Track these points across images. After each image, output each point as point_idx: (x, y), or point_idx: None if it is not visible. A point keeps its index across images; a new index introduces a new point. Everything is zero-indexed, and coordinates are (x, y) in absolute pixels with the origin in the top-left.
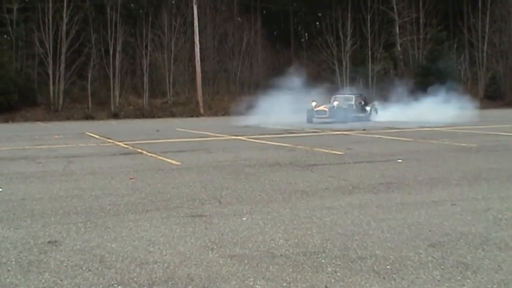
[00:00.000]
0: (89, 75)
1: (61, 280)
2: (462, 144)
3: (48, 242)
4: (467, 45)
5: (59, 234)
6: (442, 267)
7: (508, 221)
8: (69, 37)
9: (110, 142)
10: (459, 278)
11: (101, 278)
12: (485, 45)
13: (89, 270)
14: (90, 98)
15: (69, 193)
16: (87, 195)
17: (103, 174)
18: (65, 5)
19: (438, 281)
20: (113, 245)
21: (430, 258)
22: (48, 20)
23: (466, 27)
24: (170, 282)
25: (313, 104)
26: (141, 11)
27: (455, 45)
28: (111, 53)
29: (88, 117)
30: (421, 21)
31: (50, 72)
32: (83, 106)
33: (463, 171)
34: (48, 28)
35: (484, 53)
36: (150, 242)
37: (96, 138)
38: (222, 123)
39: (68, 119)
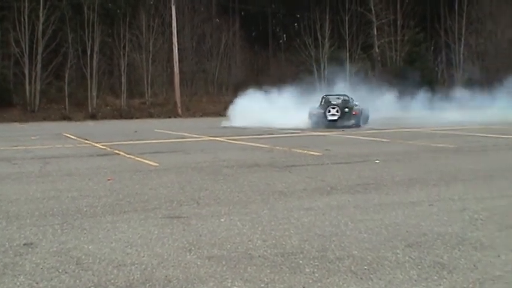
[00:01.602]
0: (66, 76)
1: (37, 283)
2: (440, 145)
3: (24, 244)
4: (444, 47)
5: (34, 236)
6: (419, 267)
7: (484, 221)
8: (45, 37)
9: (87, 143)
10: (436, 277)
11: (77, 281)
12: (462, 46)
13: (66, 273)
14: (67, 99)
15: (46, 194)
16: (63, 196)
17: (80, 176)
18: (41, 4)
19: (415, 280)
20: (90, 247)
21: (407, 258)
22: (24, 19)
23: (443, 29)
24: (148, 284)
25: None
26: (118, 11)
27: (433, 47)
28: (88, 53)
29: (65, 118)
30: (398, 23)
31: (26, 72)
32: (60, 107)
33: (440, 172)
34: (24, 27)
35: (461, 55)
36: (127, 243)
37: (73, 139)
38: (200, 124)
39: (44, 119)
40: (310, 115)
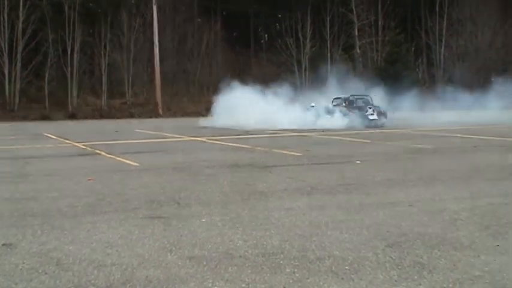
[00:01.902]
0: (46, 75)
1: (16, 284)
2: (419, 146)
3: (3, 245)
4: (424, 48)
5: (14, 237)
6: (400, 267)
7: (463, 221)
8: (25, 36)
9: (67, 143)
10: (416, 277)
11: (57, 281)
12: (443, 48)
13: (45, 274)
14: (47, 98)
15: (25, 195)
16: (43, 197)
17: (60, 176)
18: (21, 3)
19: (395, 280)
20: (70, 248)
21: (387, 258)
22: (4, 18)
23: (424, 30)
24: (128, 285)
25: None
26: (99, 11)
27: (413, 48)
28: (69, 52)
29: (45, 117)
30: (379, 23)
31: (6, 71)
32: (40, 106)
33: (419, 172)
34: (4, 26)
35: (442, 56)
36: (108, 244)
37: (53, 139)
38: (181, 124)
39: (24, 119)
40: (344, 113)
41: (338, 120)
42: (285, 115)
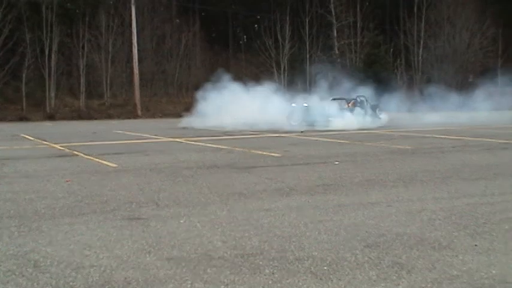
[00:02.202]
0: (24, 76)
1: None
2: (398, 147)
3: None
4: (403, 49)
5: None
6: (378, 267)
7: (442, 221)
8: (2, 36)
9: (45, 144)
10: (394, 277)
11: (34, 284)
12: (421, 49)
13: (22, 276)
14: (24, 99)
15: (2, 196)
16: (20, 198)
17: (38, 177)
18: None
19: (374, 281)
20: (48, 249)
21: (366, 258)
22: None
23: (402, 32)
24: (107, 286)
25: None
26: (77, 11)
27: (392, 49)
28: (46, 53)
29: (22, 118)
30: (358, 25)
31: None
32: (17, 107)
33: (398, 173)
34: None
35: (420, 57)
36: (86, 245)
37: (30, 140)
38: (160, 125)
39: (1, 120)
40: (358, 113)
41: (353, 119)
42: (265, 115)
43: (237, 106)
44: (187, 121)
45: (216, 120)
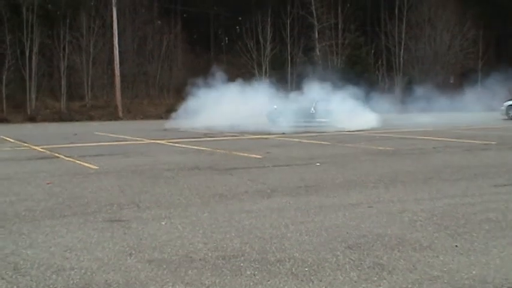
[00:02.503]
0: (4, 77)
1: None
2: (379, 148)
3: None
4: (384, 50)
5: None
6: (359, 268)
7: (423, 222)
8: None
9: (25, 146)
10: (375, 278)
11: (14, 286)
12: (402, 51)
13: (2, 279)
14: (5, 101)
15: None
16: (1, 200)
17: (18, 179)
18: None
19: (355, 282)
20: (28, 252)
21: (347, 259)
22: None
23: (383, 33)
24: None
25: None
26: (58, 12)
27: (373, 51)
28: (27, 54)
29: (3, 120)
30: (339, 26)
31: None
32: None
33: (379, 174)
34: None
35: (401, 59)
36: (67, 247)
37: (11, 142)
38: (141, 127)
39: None
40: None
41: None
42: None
43: (221, 108)
44: (172, 122)
45: (200, 122)
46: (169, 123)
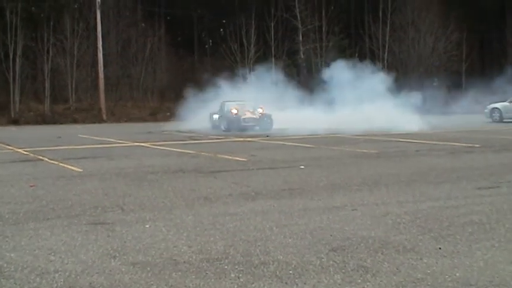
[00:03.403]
0: None
1: None
2: (363, 151)
3: None
4: (368, 53)
5: None
6: (343, 271)
7: (406, 224)
8: None
9: (9, 149)
10: (359, 281)
11: None
12: (386, 53)
13: None
14: None
15: None
16: None
17: (1, 182)
18: None
19: (339, 284)
20: (12, 255)
21: (331, 262)
22: None
23: (368, 36)
24: None
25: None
26: (42, 15)
27: (357, 54)
28: (11, 57)
29: None
30: (323, 29)
31: None
32: None
33: (363, 177)
34: None
35: (385, 61)
36: (51, 250)
37: None
38: (125, 130)
39: None
40: (220, 120)
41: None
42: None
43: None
44: (153, 125)
45: (182, 124)
46: (153, 126)
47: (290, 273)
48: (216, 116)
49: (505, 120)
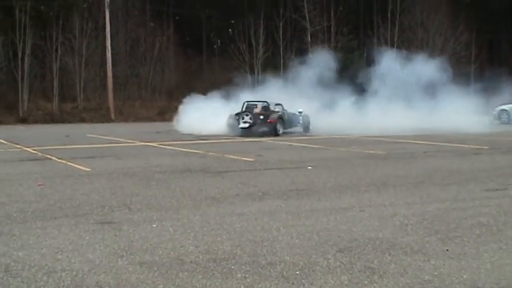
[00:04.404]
0: None
1: None
2: (371, 152)
3: None
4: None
5: None
6: (350, 272)
7: (414, 226)
8: None
9: (17, 148)
10: (366, 282)
11: None
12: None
13: None
14: None
15: None
16: None
17: (10, 181)
18: None
19: (346, 285)
20: (20, 253)
21: (338, 263)
22: None
23: (376, 37)
24: None
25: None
26: (51, 14)
27: (366, 54)
28: (19, 56)
29: None
30: (332, 30)
31: None
32: None
33: (371, 178)
34: None
35: None
36: (58, 249)
37: (3, 143)
38: (133, 129)
39: None
40: (227, 121)
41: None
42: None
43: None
44: (161, 125)
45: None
46: (162, 126)
47: (297, 274)
48: (234, 117)
49: None
